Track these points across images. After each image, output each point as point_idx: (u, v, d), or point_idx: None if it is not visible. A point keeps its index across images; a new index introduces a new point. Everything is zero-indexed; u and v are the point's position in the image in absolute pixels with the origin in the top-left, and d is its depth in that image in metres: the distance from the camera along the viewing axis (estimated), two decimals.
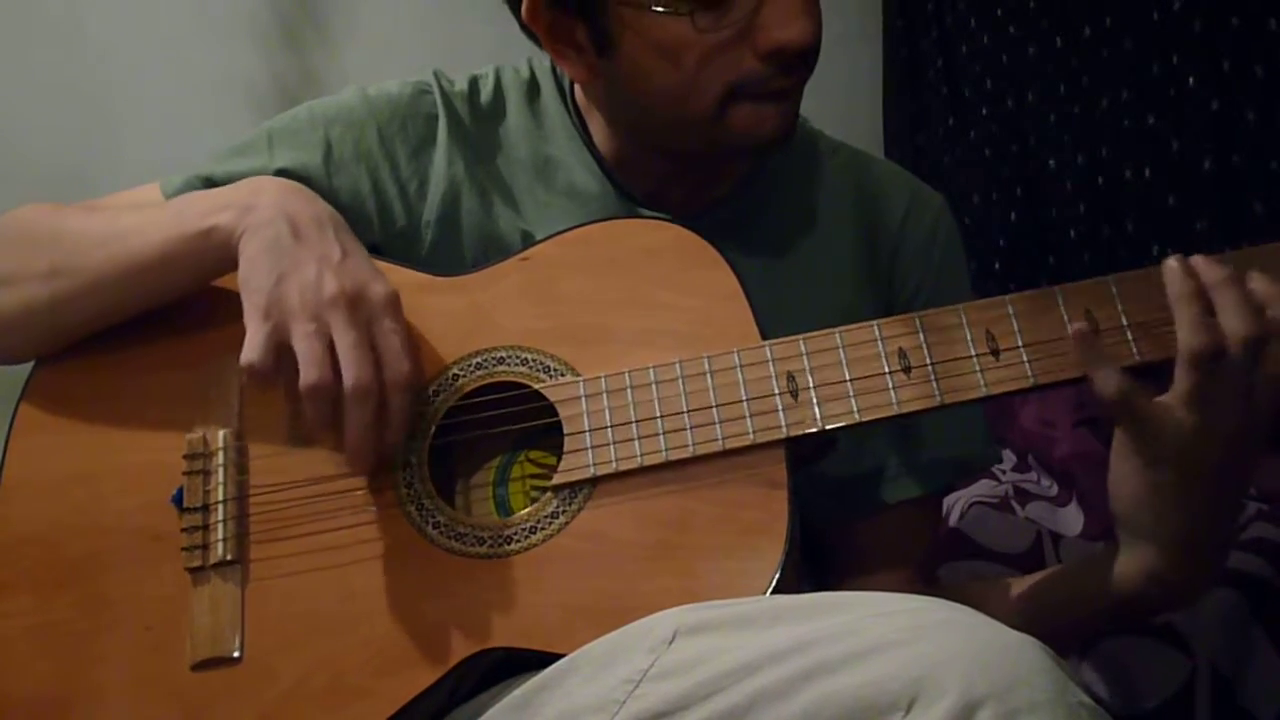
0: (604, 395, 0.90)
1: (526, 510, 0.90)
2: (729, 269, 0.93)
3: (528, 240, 1.02)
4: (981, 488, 1.58)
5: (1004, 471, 1.68)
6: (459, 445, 0.96)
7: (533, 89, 1.09)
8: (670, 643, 0.77)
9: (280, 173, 1.03)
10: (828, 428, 0.88)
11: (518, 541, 0.88)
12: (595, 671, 0.79)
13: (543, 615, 0.86)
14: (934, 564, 1.15)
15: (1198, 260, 0.84)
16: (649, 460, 0.88)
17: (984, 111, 2.21)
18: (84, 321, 0.98)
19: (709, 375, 0.90)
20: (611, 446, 0.89)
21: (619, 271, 0.95)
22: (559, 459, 0.90)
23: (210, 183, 1.03)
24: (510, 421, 0.93)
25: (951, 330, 0.88)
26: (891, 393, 0.88)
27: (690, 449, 0.88)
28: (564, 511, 0.89)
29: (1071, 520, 1.56)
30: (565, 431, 0.90)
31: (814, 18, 0.93)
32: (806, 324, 0.91)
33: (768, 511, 0.86)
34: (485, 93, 1.09)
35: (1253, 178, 1.60)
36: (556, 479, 0.89)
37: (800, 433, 0.88)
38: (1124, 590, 0.90)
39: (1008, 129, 2.15)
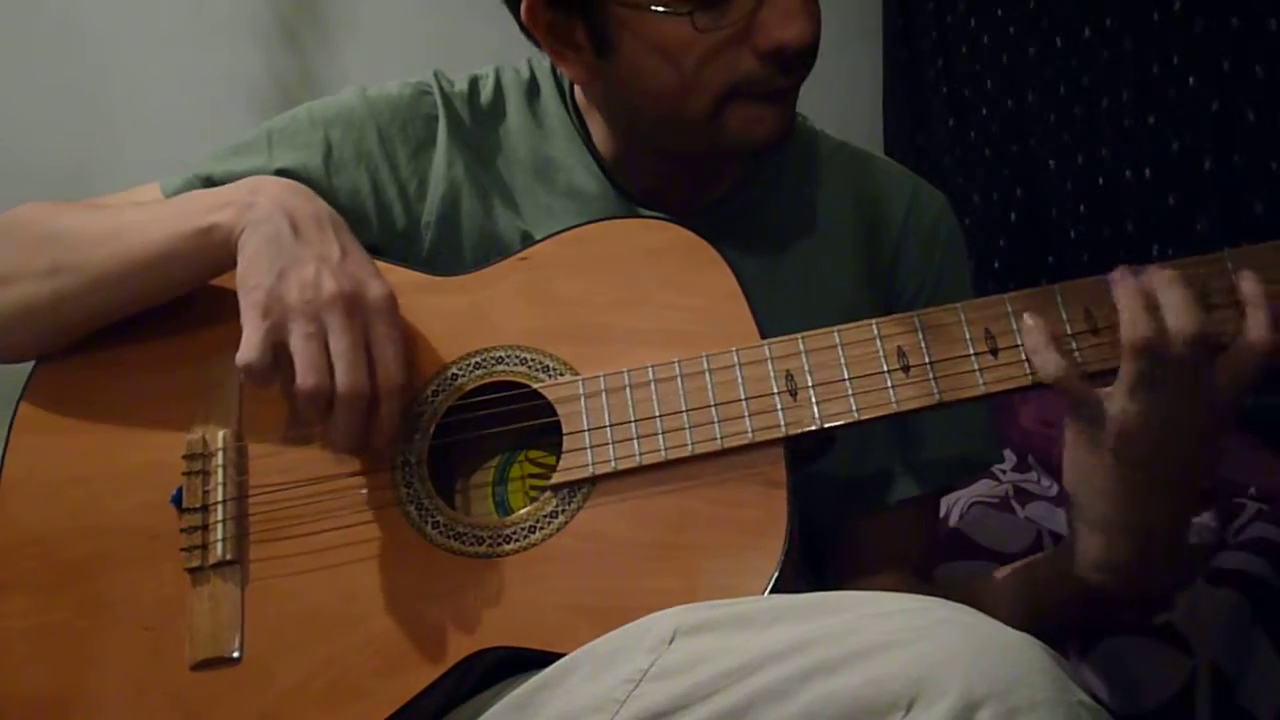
0: (603, 395, 0.90)
1: (525, 510, 0.90)
2: (728, 268, 0.93)
3: (527, 240, 1.02)
4: (981, 488, 1.58)
5: (1004, 471, 1.68)
6: (458, 445, 0.96)
7: (532, 89, 1.09)
8: (670, 642, 0.77)
9: (280, 173, 1.03)
10: (826, 426, 0.88)
11: (517, 541, 0.88)
12: (595, 671, 0.79)
13: (542, 614, 0.86)
14: (932, 563, 1.15)
15: (1147, 269, 0.85)
16: (648, 459, 0.88)
17: (984, 111, 2.21)
18: (84, 319, 0.98)
19: (708, 374, 0.90)
20: (610, 446, 0.89)
21: (618, 271, 0.95)
22: (558, 458, 0.90)
23: (210, 182, 1.03)
24: (509, 421, 0.93)
25: (950, 329, 0.89)
26: (890, 391, 0.88)
27: (689, 448, 0.88)
28: (563, 511, 0.89)
29: None
30: (564, 431, 0.90)
31: (813, 18, 0.93)
32: (806, 323, 0.91)
33: (767, 510, 0.86)
34: (485, 93, 1.09)
35: (1253, 178, 1.60)
36: (555, 478, 0.89)
37: (799, 431, 0.88)
38: (1082, 578, 0.90)
39: (1008, 129, 2.15)
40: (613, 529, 0.87)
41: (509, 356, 0.94)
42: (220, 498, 0.92)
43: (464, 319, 0.96)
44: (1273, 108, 1.56)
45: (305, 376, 0.85)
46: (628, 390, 0.90)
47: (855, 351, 0.89)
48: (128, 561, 0.92)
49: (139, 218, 0.96)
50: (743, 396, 0.89)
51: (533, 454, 0.97)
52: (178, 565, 0.91)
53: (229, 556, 0.91)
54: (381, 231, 1.05)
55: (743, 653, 0.74)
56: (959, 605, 0.75)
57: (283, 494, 0.92)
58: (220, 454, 0.94)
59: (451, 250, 1.04)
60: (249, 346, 0.85)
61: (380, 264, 0.97)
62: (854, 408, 0.88)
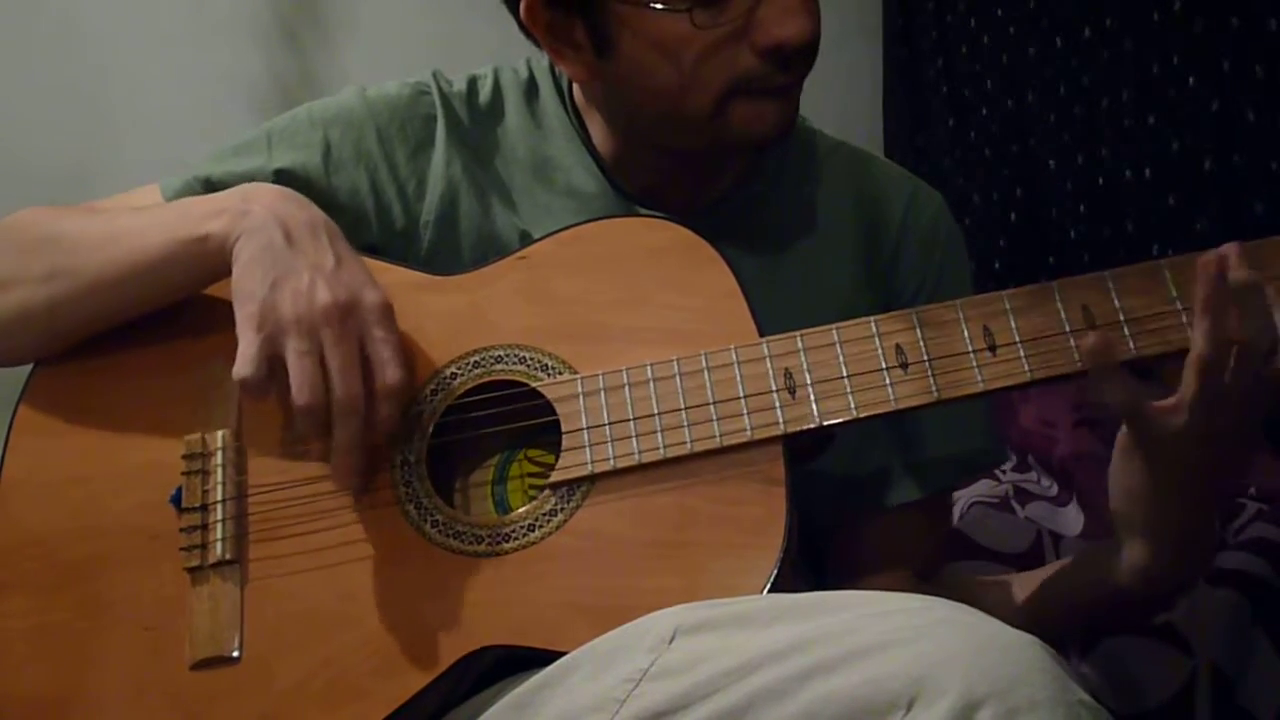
0: (601, 393, 0.90)
1: (525, 508, 0.90)
2: (727, 267, 0.93)
3: (526, 240, 1.02)
4: (981, 488, 1.58)
5: (1004, 471, 1.68)
6: (457, 444, 0.96)
7: (531, 89, 1.09)
8: (670, 642, 0.77)
9: (279, 172, 1.03)
10: (825, 424, 0.88)
11: (516, 539, 0.88)
12: (595, 670, 0.79)
13: (541, 613, 0.86)
14: (940, 565, 1.14)
15: (1231, 256, 0.82)
16: (647, 458, 0.88)
17: (984, 111, 2.20)
18: (82, 324, 0.98)
19: (706, 372, 0.89)
20: (609, 444, 0.89)
21: (617, 270, 0.95)
22: (557, 457, 0.90)
23: (209, 183, 1.04)
24: (508, 420, 0.93)
25: (948, 326, 0.89)
26: (889, 389, 0.88)
27: (688, 446, 0.88)
28: (562, 509, 0.88)
29: (1071, 520, 1.56)
30: (563, 429, 0.90)
31: (813, 15, 0.93)
32: (804, 322, 0.91)
33: (766, 508, 0.85)
34: (484, 93, 1.09)
35: (1253, 178, 1.60)
36: (554, 477, 0.89)
37: (798, 429, 0.87)
38: (1115, 585, 0.91)
39: (1008, 129, 2.14)
40: (612, 527, 0.87)
41: (508, 355, 0.94)
42: (220, 497, 0.92)
43: (463, 318, 0.96)
44: (1273, 108, 1.56)
45: (301, 393, 0.85)
46: (626, 389, 0.90)
47: (854, 349, 0.89)
48: (127, 562, 0.92)
49: (135, 224, 0.96)
50: (741, 394, 0.89)
51: (532, 453, 0.97)
52: (177, 565, 0.91)
53: (228, 556, 0.91)
54: (380, 231, 1.05)
55: (743, 652, 0.74)
56: (959, 605, 0.75)
57: (282, 493, 0.92)
58: (219, 454, 0.94)
59: (450, 250, 1.04)
60: (244, 360, 0.85)
61: (379, 263, 0.98)
62: (853, 405, 0.88)
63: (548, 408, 0.91)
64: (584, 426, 0.90)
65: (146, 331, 0.98)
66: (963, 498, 1.54)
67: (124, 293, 0.96)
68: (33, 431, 0.97)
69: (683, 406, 0.89)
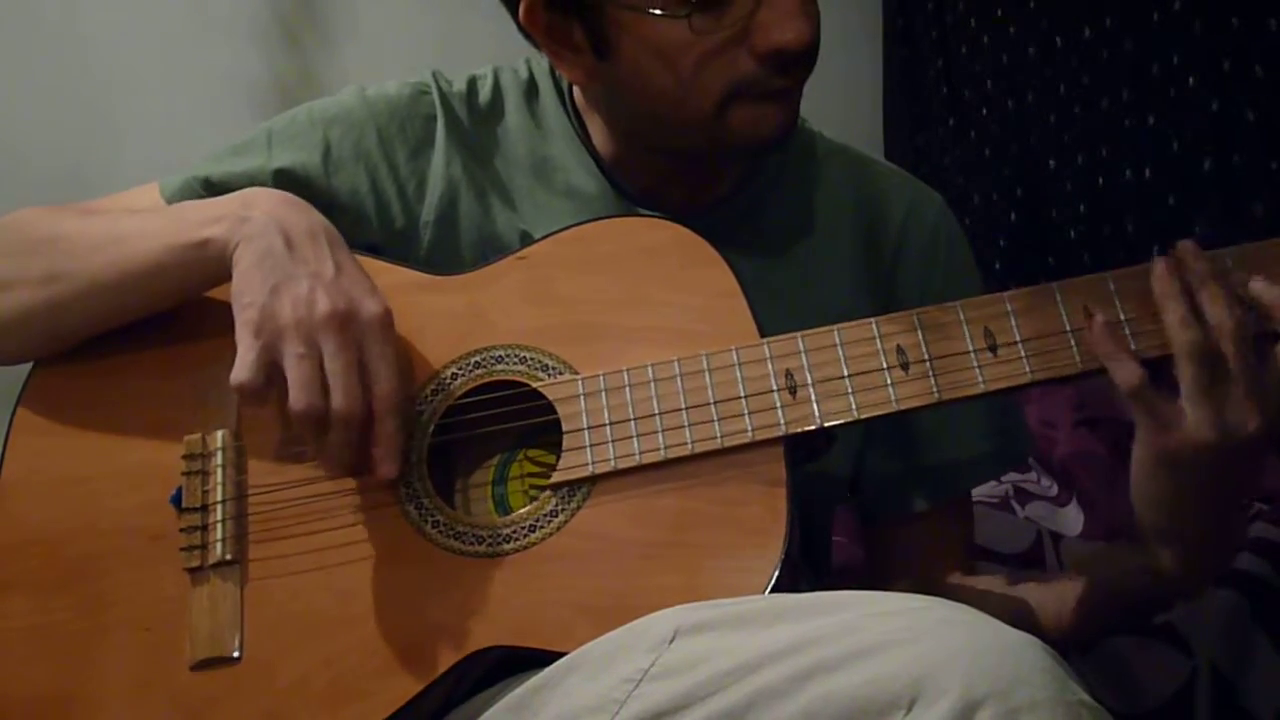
0: (602, 393, 0.90)
1: (525, 509, 0.90)
2: (727, 267, 0.93)
3: (526, 240, 1.02)
4: (981, 487, 1.58)
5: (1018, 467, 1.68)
6: (458, 444, 0.96)
7: (531, 90, 1.09)
8: (670, 642, 0.77)
9: (279, 172, 1.03)
10: (826, 425, 0.87)
11: (516, 540, 0.88)
12: (595, 671, 0.79)
13: (542, 614, 0.85)
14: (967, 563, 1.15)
15: (1185, 251, 0.84)
16: (648, 458, 0.88)
17: (984, 112, 2.21)
18: (81, 325, 0.98)
19: (707, 373, 0.89)
20: (610, 445, 0.89)
21: (617, 270, 0.95)
22: (558, 457, 0.90)
23: (209, 182, 1.04)
24: (508, 420, 0.93)
25: (949, 327, 0.88)
26: (890, 389, 0.88)
27: (689, 447, 0.88)
28: (563, 510, 0.88)
29: (1071, 520, 1.56)
30: (564, 430, 0.90)
31: (812, 19, 0.93)
32: (805, 323, 0.91)
33: (767, 509, 0.85)
34: (484, 93, 1.09)
35: (1253, 178, 1.60)
36: (555, 477, 0.89)
37: (799, 430, 0.87)
38: (1130, 589, 0.91)
39: (1008, 129, 2.15)
40: (613, 528, 0.87)
41: (508, 355, 0.94)
42: (220, 497, 0.92)
43: (463, 318, 0.96)
44: (1273, 108, 1.56)
45: (298, 399, 0.85)
46: (627, 389, 0.90)
47: (855, 350, 0.89)
48: (128, 562, 0.92)
49: (136, 226, 0.96)
50: (742, 395, 0.89)
51: (532, 453, 0.97)
52: (177, 565, 0.91)
53: (229, 556, 0.91)
54: (380, 231, 1.05)
55: (743, 652, 0.73)
56: (960, 605, 0.75)
57: (282, 494, 0.92)
58: (220, 454, 0.94)
59: (450, 250, 1.04)
60: (242, 366, 0.85)
61: (379, 263, 0.97)
62: (853, 406, 0.88)
63: (548, 408, 0.91)
64: (585, 427, 0.90)
65: (147, 332, 0.98)
66: None
67: (123, 296, 0.96)
68: (32, 431, 0.97)
69: (684, 407, 0.89)
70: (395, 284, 0.94)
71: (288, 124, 1.07)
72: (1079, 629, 0.98)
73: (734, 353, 0.90)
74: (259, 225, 0.90)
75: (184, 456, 0.94)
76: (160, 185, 1.05)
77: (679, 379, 0.90)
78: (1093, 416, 1.67)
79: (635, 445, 0.88)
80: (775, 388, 0.89)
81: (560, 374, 0.92)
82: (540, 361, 0.93)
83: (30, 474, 0.96)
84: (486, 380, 0.94)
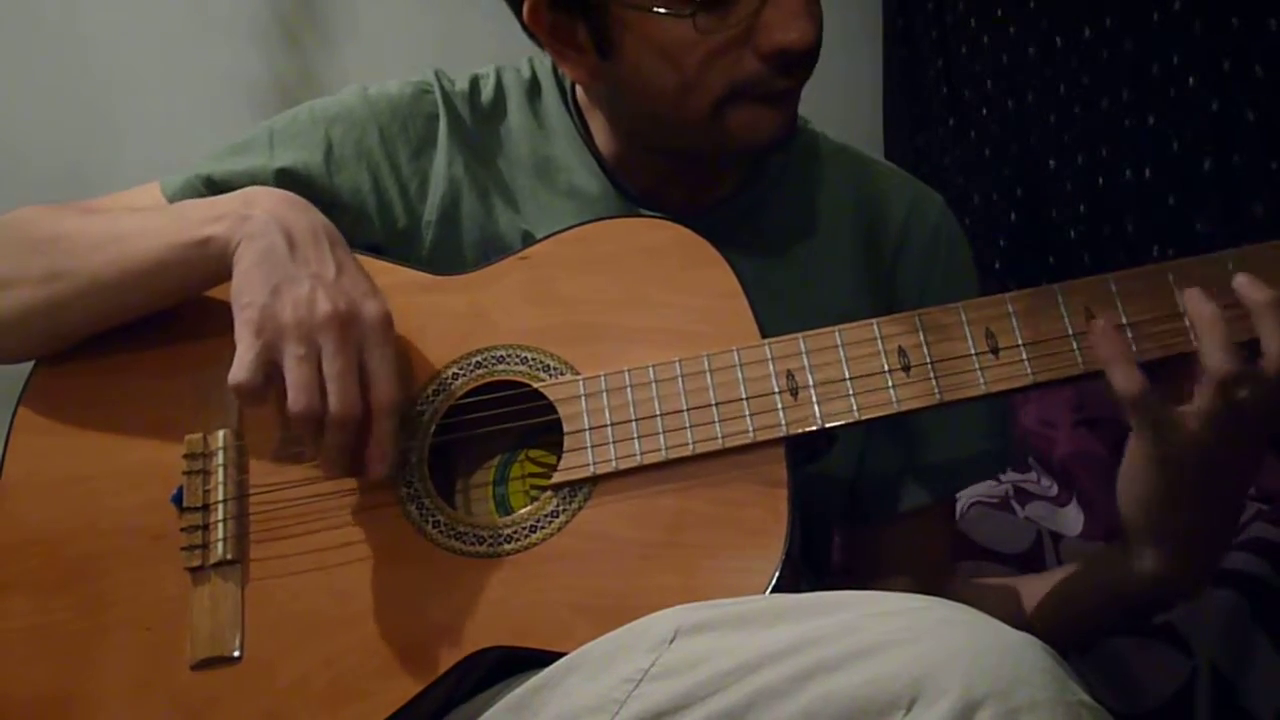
0: (603, 394, 0.90)
1: (526, 509, 0.90)
2: (728, 267, 0.93)
3: (528, 240, 1.02)
4: (981, 488, 1.58)
5: (1004, 471, 1.68)
6: (459, 444, 0.96)
7: (534, 89, 1.09)
8: (670, 642, 0.77)
9: (281, 171, 1.03)
10: (827, 426, 0.88)
11: (517, 540, 0.88)
12: (595, 671, 0.79)
13: (542, 614, 0.86)
14: (948, 566, 1.15)
15: (1242, 281, 0.83)
16: (649, 459, 0.88)
17: (984, 111, 2.21)
18: (82, 324, 0.97)
19: (708, 374, 0.90)
20: (611, 445, 0.89)
21: (618, 270, 0.95)
22: (559, 458, 0.90)
23: (211, 181, 1.04)
24: (510, 420, 0.93)
25: (951, 329, 0.89)
26: (891, 391, 0.88)
27: (690, 447, 0.88)
28: (564, 510, 0.88)
29: (1071, 520, 1.56)
30: (565, 430, 0.90)
31: (815, 19, 0.93)
32: (806, 324, 0.91)
33: (767, 510, 0.86)
34: (486, 93, 1.09)
35: (1253, 178, 1.60)
36: (556, 478, 0.89)
37: (800, 431, 0.88)
38: (1126, 590, 0.91)
39: (1008, 129, 2.15)
40: (614, 529, 0.87)
41: (510, 356, 0.94)
42: (221, 497, 0.92)
43: (465, 318, 0.96)
44: (1273, 108, 1.56)
45: (297, 400, 0.85)
46: (628, 390, 0.90)
47: (856, 351, 0.89)
48: (128, 561, 0.92)
49: (137, 226, 0.96)
50: (744, 396, 0.89)
51: (533, 453, 0.97)
52: (178, 565, 0.91)
53: (229, 556, 0.91)
54: (382, 230, 1.05)
55: (743, 652, 0.73)
56: (960, 605, 0.75)
57: (284, 493, 0.92)
58: (220, 453, 0.94)
59: (452, 249, 1.04)
60: (241, 365, 0.85)
61: (380, 263, 0.97)
62: (855, 407, 0.88)
63: (549, 408, 0.91)
64: (586, 428, 0.90)
65: (148, 331, 0.98)
66: (963, 498, 1.55)
67: (124, 294, 0.96)
68: (33, 431, 0.97)
69: (685, 408, 0.89)
70: (396, 284, 0.94)
71: (289, 123, 1.07)
72: (1079, 629, 0.98)
73: (735, 353, 0.90)
74: (260, 224, 0.90)
75: (185, 456, 0.94)
76: (162, 184, 1.05)
77: (680, 380, 0.90)
78: (1092, 417, 1.67)
79: (636, 446, 0.88)
80: (776, 389, 0.89)
81: (562, 374, 0.92)
82: (542, 362, 0.93)
83: (31, 473, 0.96)
84: (488, 380, 0.94)
